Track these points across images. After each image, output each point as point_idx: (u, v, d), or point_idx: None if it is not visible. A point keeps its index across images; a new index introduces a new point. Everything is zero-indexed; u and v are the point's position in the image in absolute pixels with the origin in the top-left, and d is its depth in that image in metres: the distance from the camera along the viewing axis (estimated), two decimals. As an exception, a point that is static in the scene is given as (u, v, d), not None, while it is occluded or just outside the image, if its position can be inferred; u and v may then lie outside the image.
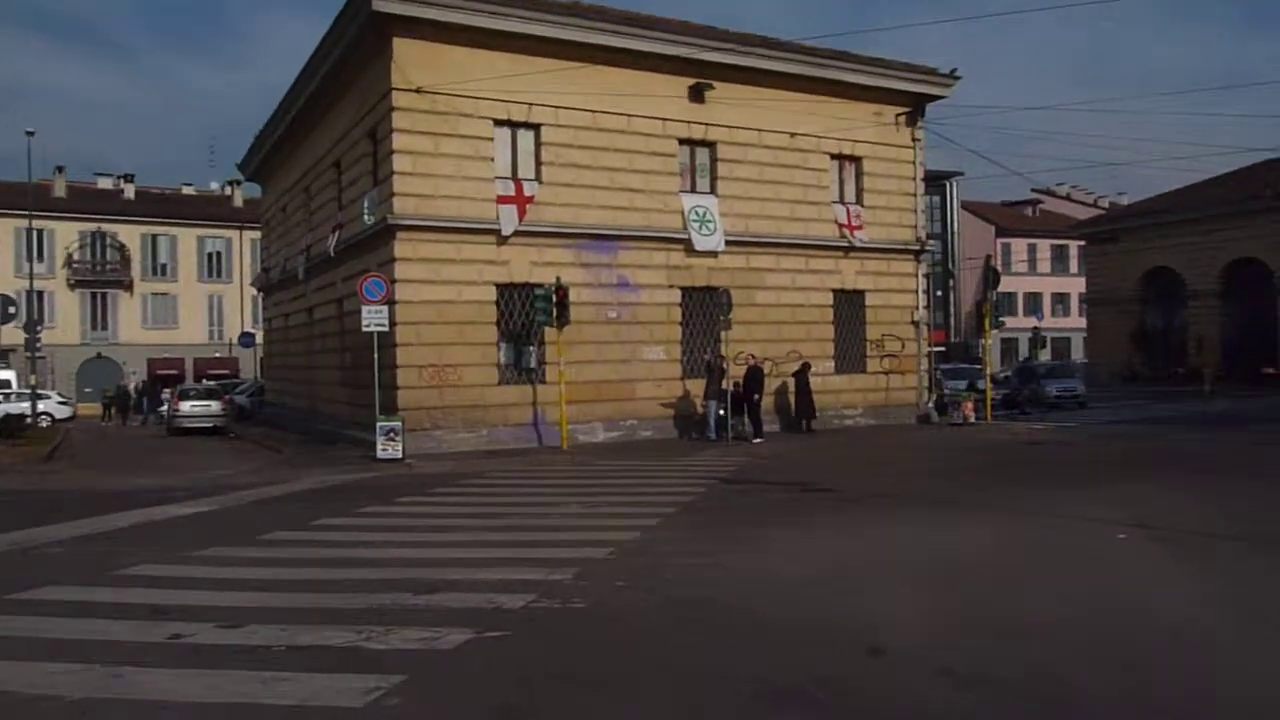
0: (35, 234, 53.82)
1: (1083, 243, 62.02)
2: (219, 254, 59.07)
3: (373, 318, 19.19)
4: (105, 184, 61.15)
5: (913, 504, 12.60)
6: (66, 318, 55.05)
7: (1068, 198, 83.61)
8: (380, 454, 18.17)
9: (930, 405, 26.60)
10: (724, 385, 21.68)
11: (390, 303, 19.57)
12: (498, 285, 20.92)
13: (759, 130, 23.84)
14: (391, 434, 18.20)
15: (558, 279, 19.87)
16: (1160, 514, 11.04)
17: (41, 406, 37.44)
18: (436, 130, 20.15)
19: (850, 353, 25.68)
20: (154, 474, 18.91)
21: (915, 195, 26.44)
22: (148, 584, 8.38)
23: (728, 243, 23.25)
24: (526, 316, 21.06)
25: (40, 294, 54.16)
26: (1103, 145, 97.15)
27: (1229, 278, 47.86)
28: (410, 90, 19.82)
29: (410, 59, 19.79)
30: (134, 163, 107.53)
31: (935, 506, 12.37)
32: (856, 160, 25.68)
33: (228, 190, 64.08)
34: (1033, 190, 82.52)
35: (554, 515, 12.12)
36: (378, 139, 21.12)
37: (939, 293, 60.86)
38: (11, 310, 20.59)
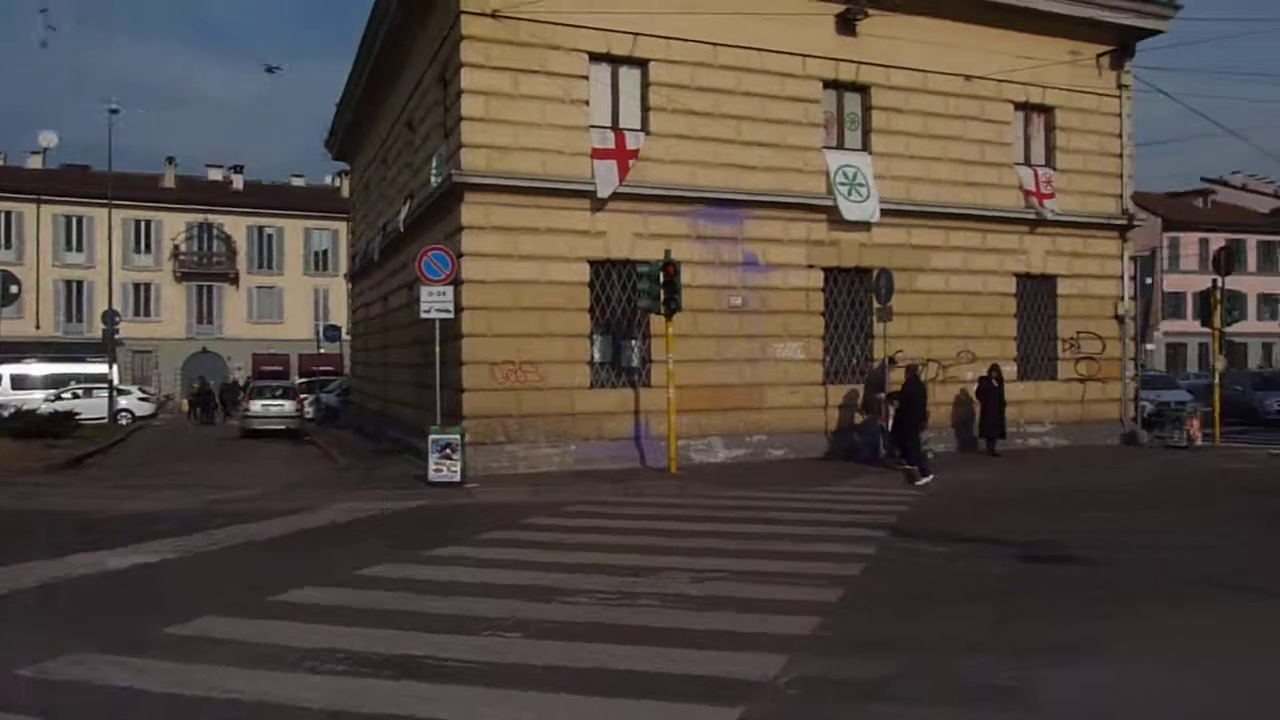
0: (143, 225, 53.04)
1: (1269, 237, 54.25)
2: (326, 247, 56.99)
3: (434, 301, 15.11)
4: (215, 175, 59.79)
5: (1242, 596, 7.62)
6: (172, 311, 53.62)
7: (1244, 188, 74.67)
8: (433, 476, 14.04)
9: (1136, 422, 21.05)
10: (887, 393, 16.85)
11: (456, 283, 15.46)
12: (592, 262, 16.58)
13: (924, 71, 18.86)
14: (448, 450, 14.03)
15: (667, 254, 15.39)
16: None
17: (123, 403, 35.35)
18: (517, 65, 15.95)
19: (1037, 354, 20.38)
20: (175, 489, 15.28)
21: (1122, 156, 20.92)
22: None
23: (884, 212, 18.34)
24: (628, 302, 16.67)
25: (147, 286, 53.21)
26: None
27: None
28: (484, 15, 15.69)
29: (485, -25, 15.67)
30: (245, 155, 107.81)
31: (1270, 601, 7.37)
32: (1047, 111, 20.37)
33: (336, 181, 62.03)
34: (1203, 180, 73.96)
35: (642, 599, 7.60)
36: (447, 81, 17.08)
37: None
38: (13, 290, 17.43)
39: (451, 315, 15.27)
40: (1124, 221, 20.88)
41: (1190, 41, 24.76)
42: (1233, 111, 29.35)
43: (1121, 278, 20.97)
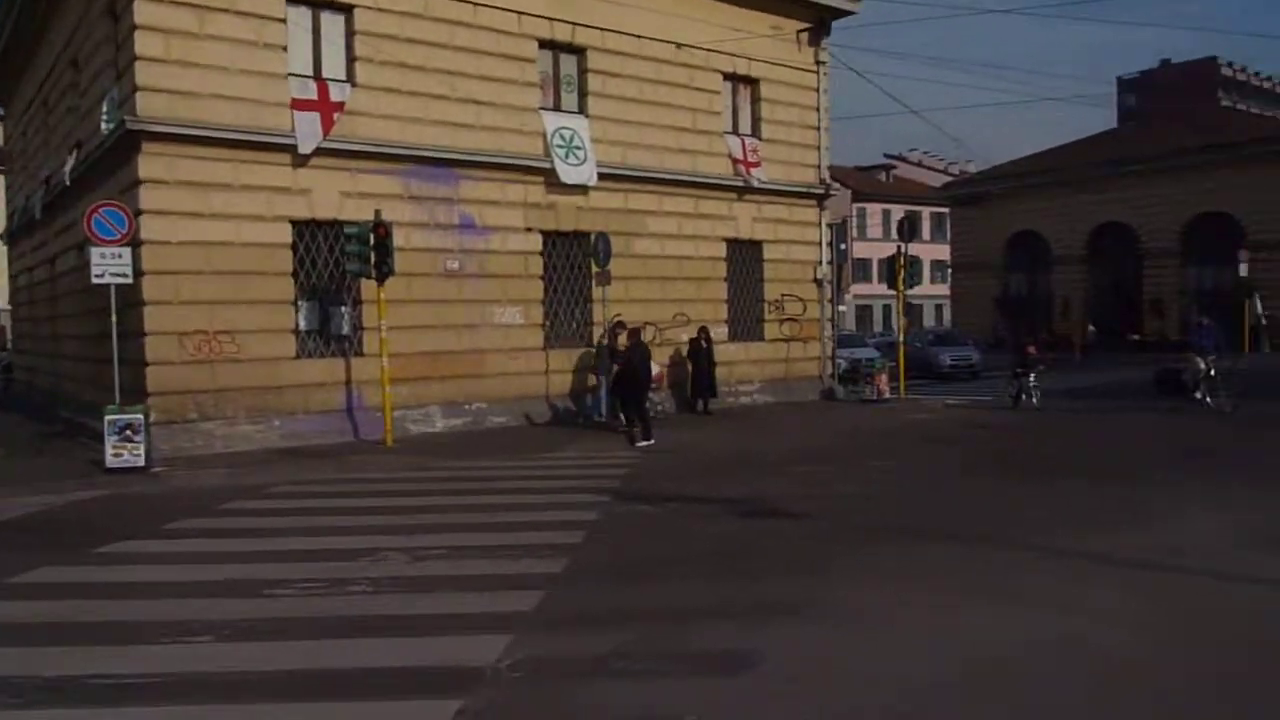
0: None
1: (941, 209, 60.41)
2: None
3: (108, 264, 13.34)
4: None
5: (939, 540, 8.15)
6: None
7: (920, 164, 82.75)
8: (111, 461, 12.44)
9: (834, 379, 22.60)
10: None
11: (135, 244, 13.75)
12: (294, 222, 15.33)
13: (639, 37, 18.96)
14: (128, 432, 12.47)
15: (377, 214, 14.48)
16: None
17: None
18: (201, 1, 14.33)
19: (746, 316, 21.28)
20: None
21: (819, 129, 22.16)
22: None
23: (601, 176, 18.31)
24: (335, 266, 15.59)
25: None
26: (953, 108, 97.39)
27: (1095, 242, 46.52)
28: (159, -59, 13.94)
29: (158, -105, 13.90)
30: None
31: (971, 545, 7.95)
32: (753, 83, 21.17)
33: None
34: (885, 155, 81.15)
35: (355, 585, 7.01)
36: (118, 15, 15.07)
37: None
38: None
39: (130, 280, 13.56)
40: (821, 191, 22.18)
41: (880, 23, 26.60)
42: (916, 92, 32.00)
43: (820, 244, 22.30)
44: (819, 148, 22.16)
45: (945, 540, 8.15)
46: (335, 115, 15.42)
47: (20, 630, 6.05)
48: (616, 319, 17.32)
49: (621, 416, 16.26)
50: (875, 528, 8.74)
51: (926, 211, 71.61)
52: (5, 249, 29.50)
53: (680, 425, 17.49)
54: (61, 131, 19.73)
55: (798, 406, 20.50)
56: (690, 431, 16.86)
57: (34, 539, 9.18)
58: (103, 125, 15.63)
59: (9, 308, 31.57)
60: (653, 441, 14.95)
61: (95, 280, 13.47)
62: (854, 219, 67.45)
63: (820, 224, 22.33)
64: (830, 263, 22.59)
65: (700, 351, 18.84)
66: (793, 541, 8.25)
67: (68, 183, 17.74)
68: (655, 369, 17.51)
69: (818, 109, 22.10)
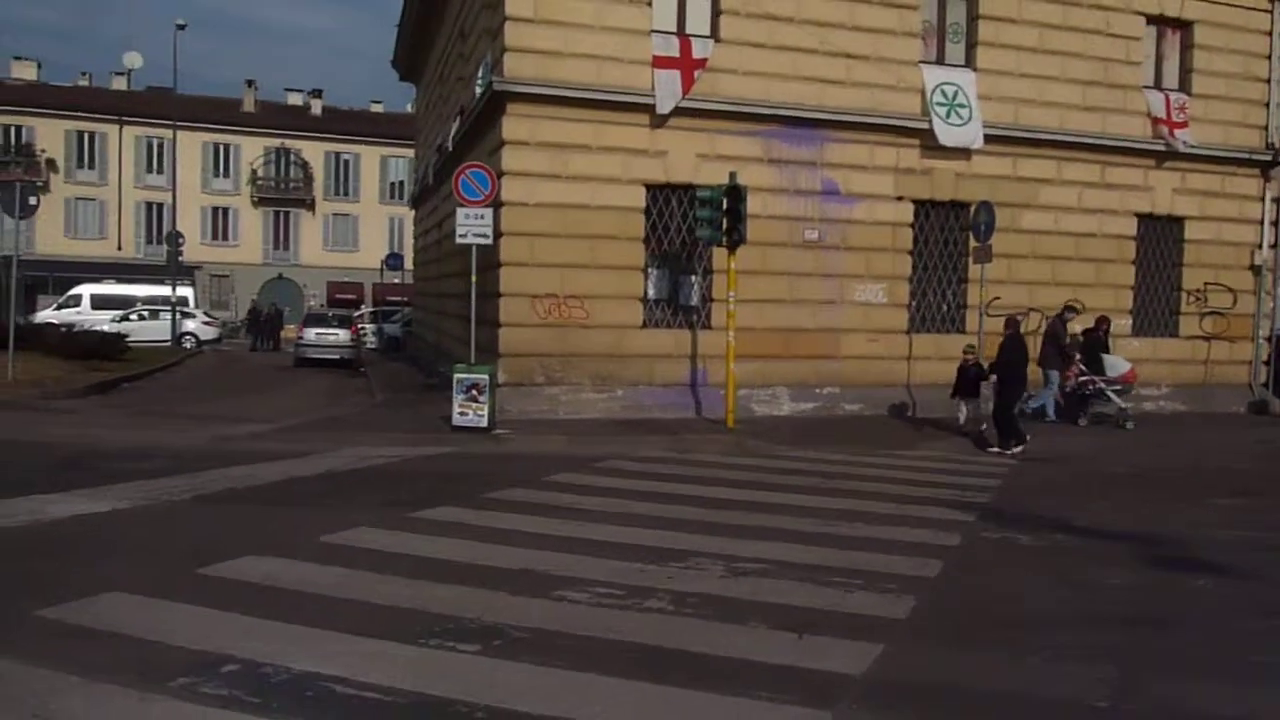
0: (222, 149, 52.65)
1: None
2: (402, 176, 55.97)
3: (470, 225, 13.53)
4: (294, 100, 59.00)
5: None
6: (249, 236, 53.43)
7: None
8: (457, 420, 12.54)
9: (1268, 388, 18.52)
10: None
11: (496, 205, 13.82)
12: (649, 186, 14.76)
13: (1043, -25, 16.36)
14: (474, 392, 12.47)
15: (732, 176, 13.45)
16: None
17: (189, 327, 34.91)
18: (570, -41, 14.05)
19: (1157, 307, 17.95)
20: (189, 420, 14.23)
21: (1270, 81, 18.09)
22: None
23: (987, 138, 16.04)
24: (688, 232, 14.82)
25: (225, 211, 52.98)
26: None
27: None
28: (534, -102, 13.78)
29: None
30: (327, 81, 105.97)
31: None
32: (1184, 26, 17.64)
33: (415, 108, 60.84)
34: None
35: (654, 599, 5.94)
36: (495, -22, 15.27)
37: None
38: (32, 201, 16.35)
39: (490, 241, 13.67)
40: (1268, 158, 18.09)
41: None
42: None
43: (1262, 222, 18.26)
44: (1268, 104, 18.08)
45: None
46: (696, 73, 14.59)
47: (307, 599, 5.61)
48: (995, 300, 15.08)
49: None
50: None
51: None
52: (413, 212, 32.44)
53: (1064, 431, 14.92)
54: (453, 101, 20.79)
55: (1217, 419, 16.94)
56: (1076, 438, 14.29)
57: (367, 493, 9.14)
58: (476, 89, 15.98)
59: (412, 269, 34.77)
60: (1022, 449, 12.62)
61: (459, 240, 13.72)
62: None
63: (1264, 198, 18.26)
64: (1273, 246, 18.44)
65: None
66: (1229, 614, 6.05)
67: (449, 148, 18.56)
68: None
69: (1270, 56, 18.01)
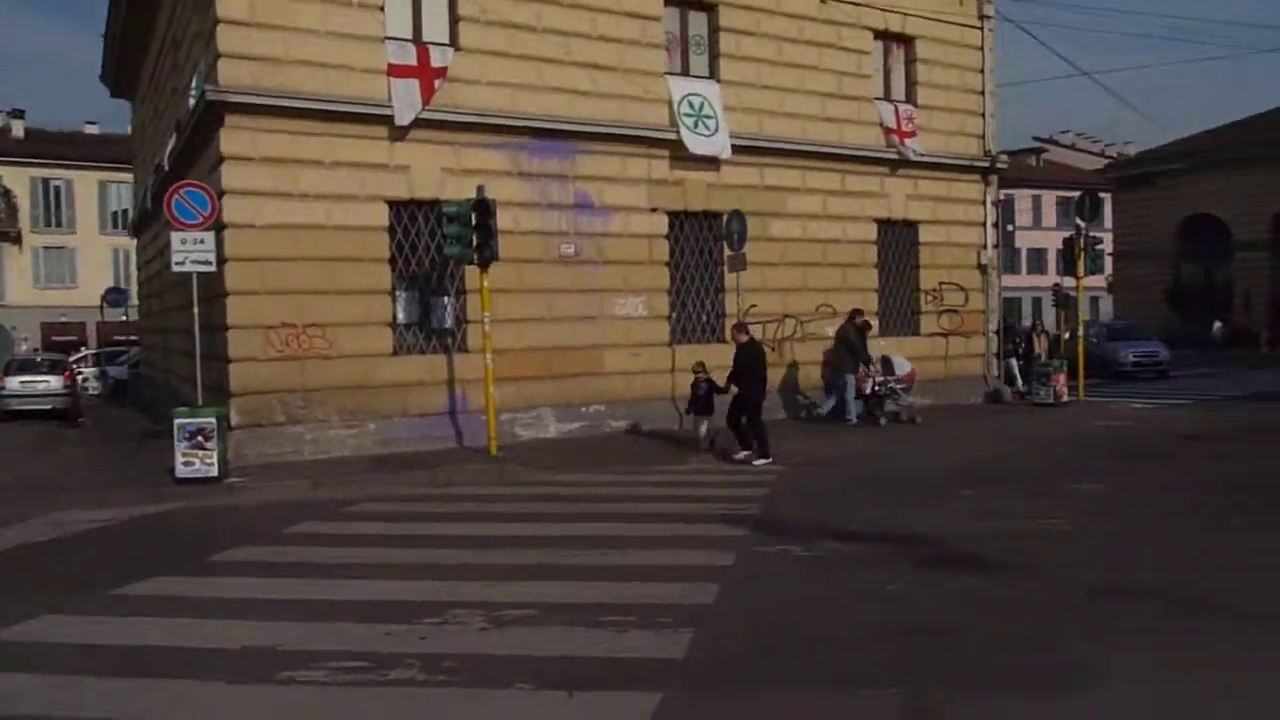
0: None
1: (1103, 193, 55.42)
2: (126, 204, 51.15)
3: (189, 251, 12.01)
4: (-11, 121, 52.69)
5: (1229, 618, 5.73)
6: (-58, 275, 47.07)
7: (1072, 147, 77.08)
8: (181, 471, 11.03)
9: (1000, 379, 19.82)
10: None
11: (219, 228, 12.38)
12: (391, 203, 13.74)
13: (777, -11, 16.73)
14: (199, 438, 11.02)
15: (479, 190, 12.70)
16: None
17: None
18: (289, -43, 12.86)
19: (899, 307, 18.76)
20: None
21: (984, 93, 19.42)
22: None
23: (735, 148, 16.15)
24: (437, 251, 13.92)
25: (-92, 248, 46.48)
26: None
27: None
28: (244, -109, 12.50)
29: None
30: (32, 102, 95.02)
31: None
32: (908, 41, 18.61)
33: (137, 130, 55.85)
34: (1035, 139, 75.82)
35: (400, 667, 5.10)
36: (205, -22, 13.80)
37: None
38: None
39: (213, 267, 12.20)
40: (987, 164, 19.42)
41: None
42: (1087, 53, 28.55)
43: (984, 224, 19.55)
44: (984, 114, 19.41)
45: (1237, 619, 5.71)
46: (436, 82, 13.74)
47: None
48: (751, 308, 15.18)
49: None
50: (1119, 590, 6.33)
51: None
52: (135, 241, 29.42)
53: (825, 433, 15.18)
54: (169, 116, 18.80)
55: (959, 411, 17.84)
56: (835, 440, 14.54)
57: (56, 571, 7.69)
58: (191, 101, 14.41)
59: (137, 303, 31.56)
60: (771, 461, 12.50)
61: (175, 268, 12.20)
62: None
63: (985, 202, 19.57)
64: (996, 246, 19.79)
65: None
66: (1005, 614, 5.95)
67: (166, 167, 16.72)
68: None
69: (982, 70, 19.36)
